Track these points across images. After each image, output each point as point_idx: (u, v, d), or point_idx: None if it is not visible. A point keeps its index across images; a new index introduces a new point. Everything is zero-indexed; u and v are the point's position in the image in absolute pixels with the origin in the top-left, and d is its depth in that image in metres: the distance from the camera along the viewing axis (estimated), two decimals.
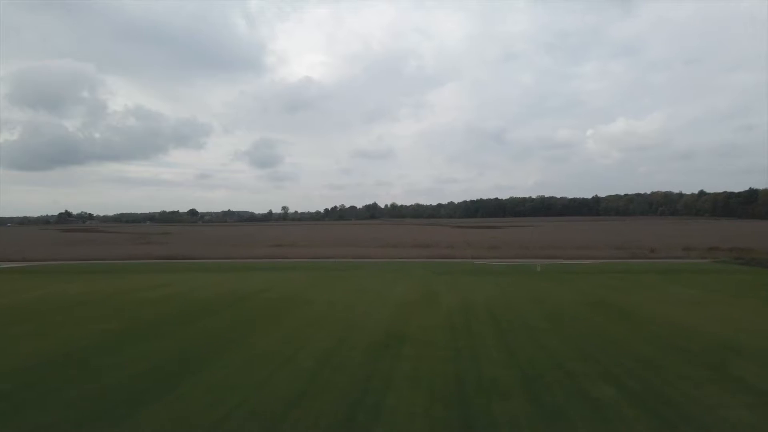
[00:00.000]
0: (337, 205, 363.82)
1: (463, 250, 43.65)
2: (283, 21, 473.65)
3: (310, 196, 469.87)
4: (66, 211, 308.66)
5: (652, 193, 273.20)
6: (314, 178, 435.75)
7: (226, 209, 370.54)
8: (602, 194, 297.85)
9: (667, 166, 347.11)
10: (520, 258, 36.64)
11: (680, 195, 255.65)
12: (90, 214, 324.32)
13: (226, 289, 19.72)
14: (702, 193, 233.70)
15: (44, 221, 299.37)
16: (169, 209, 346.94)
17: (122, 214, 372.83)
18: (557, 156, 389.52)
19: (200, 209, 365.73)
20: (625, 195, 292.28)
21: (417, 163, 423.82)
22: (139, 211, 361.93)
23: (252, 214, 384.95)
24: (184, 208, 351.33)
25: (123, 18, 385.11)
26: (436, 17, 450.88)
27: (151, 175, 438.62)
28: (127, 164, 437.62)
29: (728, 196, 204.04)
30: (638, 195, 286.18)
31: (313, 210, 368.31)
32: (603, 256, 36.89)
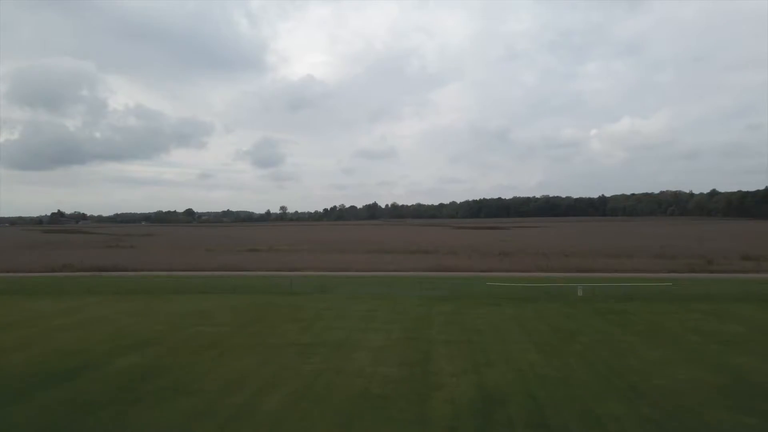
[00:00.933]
0: (337, 205, 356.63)
1: (469, 259, 35.82)
2: (285, 20, 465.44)
3: (312, 196, 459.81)
4: (59, 210, 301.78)
5: (661, 193, 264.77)
6: (316, 177, 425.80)
7: (227, 209, 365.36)
8: (607, 194, 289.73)
9: (673, 166, 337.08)
10: (541, 271, 28.76)
11: (690, 195, 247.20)
12: (83, 213, 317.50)
13: (87, 339, 11.89)
14: (714, 192, 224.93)
15: (37, 221, 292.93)
16: (172, 209, 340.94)
17: (118, 215, 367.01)
18: (561, 156, 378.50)
19: (203, 209, 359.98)
20: (633, 195, 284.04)
21: (419, 162, 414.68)
22: (140, 211, 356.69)
23: (251, 214, 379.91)
24: (185, 208, 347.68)
25: (123, 16, 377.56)
26: (439, 16, 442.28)
27: (153, 174, 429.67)
28: (129, 164, 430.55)
29: (743, 196, 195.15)
30: (646, 195, 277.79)
31: (312, 210, 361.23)
32: (647, 269, 28.97)
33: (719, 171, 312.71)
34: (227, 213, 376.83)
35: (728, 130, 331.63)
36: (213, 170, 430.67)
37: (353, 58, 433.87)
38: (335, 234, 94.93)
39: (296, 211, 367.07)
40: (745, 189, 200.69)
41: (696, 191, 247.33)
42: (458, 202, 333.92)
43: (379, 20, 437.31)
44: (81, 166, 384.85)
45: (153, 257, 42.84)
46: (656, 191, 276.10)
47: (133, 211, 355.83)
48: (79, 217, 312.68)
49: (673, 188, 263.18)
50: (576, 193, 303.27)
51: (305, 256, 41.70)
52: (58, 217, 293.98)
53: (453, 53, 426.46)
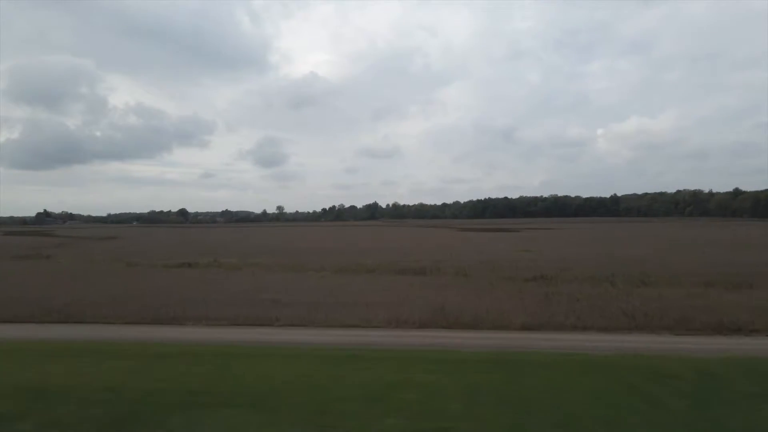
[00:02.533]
0: (336, 205, 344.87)
1: (492, 289, 21.94)
2: (287, 18, 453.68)
3: (315, 196, 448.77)
4: (45, 210, 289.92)
5: (678, 192, 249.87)
6: (319, 177, 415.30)
7: (231, 209, 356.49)
8: (612, 193, 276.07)
9: (682, 165, 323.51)
10: (639, 329, 14.71)
11: (710, 194, 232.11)
12: (71, 214, 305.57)
13: None
14: (738, 191, 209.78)
15: (22, 221, 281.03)
16: (174, 209, 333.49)
17: (111, 215, 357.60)
18: (567, 155, 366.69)
19: (204, 209, 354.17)
20: (647, 194, 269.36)
21: (423, 162, 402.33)
22: (142, 211, 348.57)
23: (249, 214, 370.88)
24: (187, 208, 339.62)
25: (124, 14, 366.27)
26: (442, 14, 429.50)
27: (155, 174, 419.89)
28: (131, 163, 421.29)
29: None
30: (661, 194, 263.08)
31: (311, 210, 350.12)
32: None
33: (729, 170, 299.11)
34: (225, 213, 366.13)
35: (737, 129, 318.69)
36: (215, 170, 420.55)
37: (356, 57, 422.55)
38: (318, 238, 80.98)
39: (297, 211, 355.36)
40: (758, 188, 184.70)
41: (706, 190, 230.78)
42: (462, 201, 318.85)
43: (382, 18, 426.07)
44: (82, 166, 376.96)
45: (13, 281, 29.29)
46: (667, 190, 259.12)
47: (134, 211, 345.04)
48: (67, 217, 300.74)
49: (682, 187, 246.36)
50: (582, 193, 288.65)
51: (241, 280, 27.88)
52: (44, 217, 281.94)
53: (457, 52, 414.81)
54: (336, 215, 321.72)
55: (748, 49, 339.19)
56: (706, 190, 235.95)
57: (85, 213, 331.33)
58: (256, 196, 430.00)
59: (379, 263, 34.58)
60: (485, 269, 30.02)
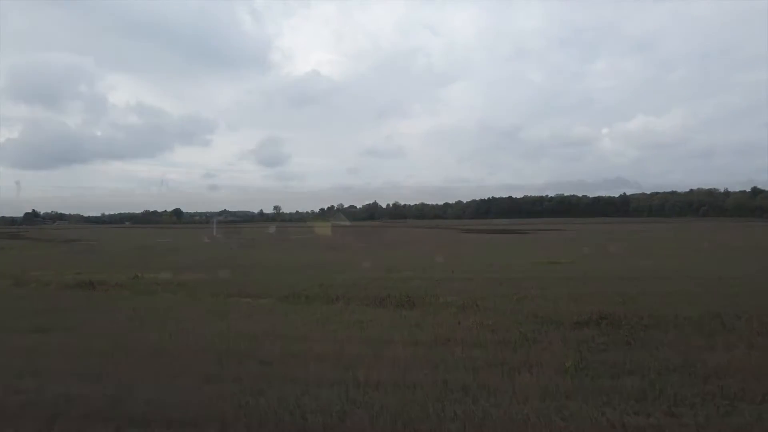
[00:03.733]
0: (335, 205, 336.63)
1: (530, 353, 11.76)
2: (289, 17, 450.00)
3: (316, 196, 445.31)
4: (33, 210, 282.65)
5: (691, 191, 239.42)
6: (321, 177, 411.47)
7: (231, 209, 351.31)
8: (617, 193, 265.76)
9: (689, 164, 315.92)
10: None
11: (726, 193, 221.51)
12: (61, 213, 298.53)
13: None
14: (756, 190, 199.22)
15: (10, 222, 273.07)
16: (175, 208, 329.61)
17: (104, 215, 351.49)
18: (571, 154, 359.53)
19: (205, 209, 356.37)
20: (657, 193, 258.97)
21: (426, 161, 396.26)
22: (139, 211, 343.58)
23: (246, 213, 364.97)
24: (190, 208, 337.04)
25: (124, 13, 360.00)
26: (446, 13, 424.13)
27: (156, 174, 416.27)
28: (132, 163, 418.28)
29: None
30: (672, 193, 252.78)
31: (310, 210, 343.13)
32: None
33: (737, 169, 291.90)
34: (223, 213, 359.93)
35: (746, 127, 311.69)
36: (217, 169, 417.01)
37: (359, 56, 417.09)
38: (302, 240, 71.01)
39: (296, 211, 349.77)
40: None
41: (721, 189, 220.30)
42: (464, 201, 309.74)
43: (385, 17, 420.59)
44: (82, 165, 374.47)
45: None
46: (676, 189, 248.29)
47: (135, 211, 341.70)
48: (57, 217, 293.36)
49: (689, 186, 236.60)
50: (587, 192, 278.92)
51: (119, 320, 18.01)
52: (32, 217, 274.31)
53: (460, 51, 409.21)
54: (335, 215, 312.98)
55: (755, 46, 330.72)
56: (721, 189, 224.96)
57: (86, 213, 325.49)
58: (257, 195, 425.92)
59: (352, 283, 24.40)
60: (506, 298, 19.79)
